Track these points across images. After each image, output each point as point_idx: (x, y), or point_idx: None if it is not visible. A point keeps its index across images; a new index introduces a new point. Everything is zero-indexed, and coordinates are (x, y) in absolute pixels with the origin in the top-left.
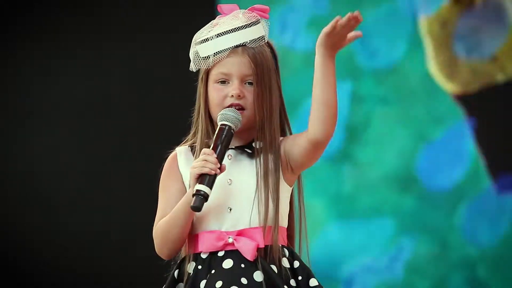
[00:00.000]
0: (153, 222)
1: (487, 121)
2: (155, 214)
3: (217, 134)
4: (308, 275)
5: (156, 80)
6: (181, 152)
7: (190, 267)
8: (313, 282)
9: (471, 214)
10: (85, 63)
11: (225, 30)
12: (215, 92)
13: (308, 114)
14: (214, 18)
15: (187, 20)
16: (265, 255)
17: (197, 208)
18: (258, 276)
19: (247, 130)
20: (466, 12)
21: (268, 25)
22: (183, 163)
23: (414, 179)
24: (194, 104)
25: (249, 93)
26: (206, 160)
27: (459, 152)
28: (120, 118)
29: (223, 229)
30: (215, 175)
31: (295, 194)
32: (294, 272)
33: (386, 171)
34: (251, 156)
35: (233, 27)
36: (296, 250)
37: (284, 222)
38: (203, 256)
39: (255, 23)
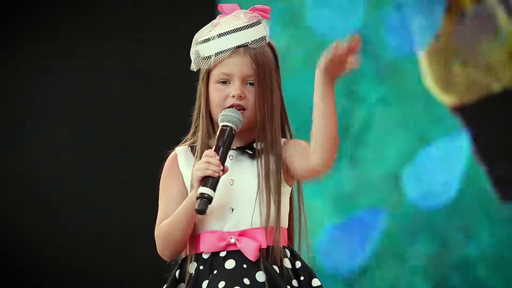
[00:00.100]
0: (153, 222)
1: (485, 131)
2: (155, 214)
3: (218, 135)
4: (310, 275)
5: (156, 80)
6: (180, 152)
7: (192, 267)
8: (315, 282)
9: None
10: (85, 63)
11: (227, 30)
12: (216, 92)
13: (308, 115)
14: (214, 18)
15: (187, 20)
16: (267, 255)
17: (201, 211)
18: (260, 276)
19: (248, 131)
20: (459, 23)
21: (269, 25)
22: (183, 163)
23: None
24: (194, 104)
25: (250, 93)
26: (209, 163)
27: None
28: (120, 118)
29: (225, 230)
30: (218, 177)
31: (295, 194)
32: (296, 273)
33: (386, 171)
34: (252, 157)
35: (235, 27)
36: (296, 249)
37: (284, 222)
38: (205, 256)
39: (257, 23)
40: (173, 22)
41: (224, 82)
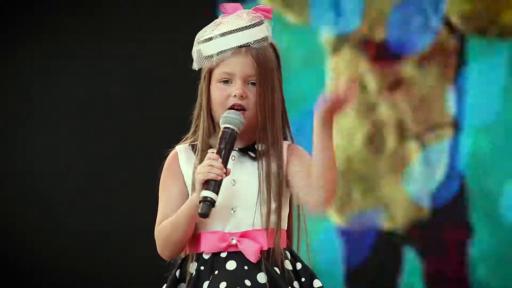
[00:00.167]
0: (153, 222)
1: None
2: (155, 214)
3: (220, 137)
4: (311, 276)
5: (156, 80)
6: (181, 150)
7: (192, 267)
8: (316, 283)
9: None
10: (85, 63)
11: (229, 30)
12: (218, 92)
13: (308, 117)
14: (214, 18)
15: (187, 20)
16: (268, 257)
17: (205, 215)
18: (261, 277)
19: (250, 131)
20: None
21: (272, 26)
22: (184, 161)
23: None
24: (194, 103)
25: (251, 93)
26: (211, 166)
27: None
28: (120, 118)
29: (226, 230)
30: (221, 180)
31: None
32: (297, 274)
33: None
34: (254, 158)
35: (237, 27)
36: (294, 248)
37: (284, 224)
38: (206, 256)
39: (259, 23)
40: (173, 22)
41: (226, 82)
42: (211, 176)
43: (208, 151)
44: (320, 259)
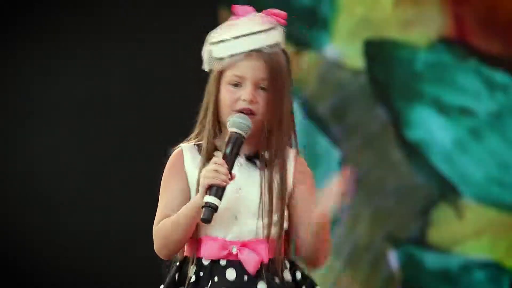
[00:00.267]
0: (153, 222)
1: None
2: (155, 214)
3: (227, 141)
4: (312, 285)
5: (156, 80)
6: (186, 149)
7: (192, 270)
8: None
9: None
10: (85, 63)
11: (242, 33)
12: (228, 94)
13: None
14: (214, 18)
15: (187, 20)
16: (268, 267)
17: (207, 220)
18: (262, 287)
19: (256, 136)
20: None
21: (284, 31)
22: (189, 161)
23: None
24: (194, 103)
25: (261, 98)
26: (217, 171)
27: None
28: (120, 118)
29: (227, 238)
30: (225, 186)
31: None
32: (297, 284)
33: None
34: (261, 167)
35: (250, 31)
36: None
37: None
38: (205, 262)
39: (272, 28)
40: (173, 22)
41: (236, 85)
42: (216, 182)
43: (214, 153)
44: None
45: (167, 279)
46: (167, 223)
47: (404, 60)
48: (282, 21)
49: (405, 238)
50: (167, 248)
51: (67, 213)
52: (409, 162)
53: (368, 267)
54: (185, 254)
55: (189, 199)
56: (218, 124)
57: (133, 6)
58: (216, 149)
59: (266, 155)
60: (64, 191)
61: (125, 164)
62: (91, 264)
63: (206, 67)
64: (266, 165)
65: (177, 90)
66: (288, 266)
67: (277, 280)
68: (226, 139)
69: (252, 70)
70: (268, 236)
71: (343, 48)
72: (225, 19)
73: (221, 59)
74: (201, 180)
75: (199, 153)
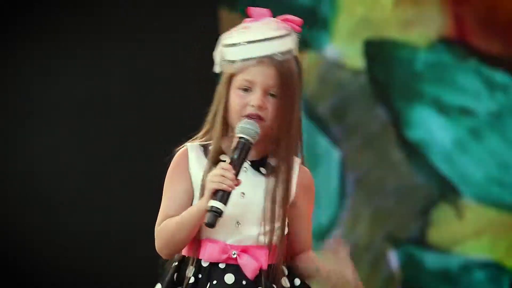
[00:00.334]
0: (153, 222)
1: None
2: (155, 214)
3: (235, 147)
4: None
5: (156, 80)
6: (192, 149)
7: (190, 271)
8: None
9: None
10: (85, 63)
11: (256, 38)
12: (237, 99)
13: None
14: (214, 18)
15: (187, 20)
16: (267, 274)
17: (211, 225)
18: None
19: (262, 142)
20: None
21: (298, 39)
22: (194, 161)
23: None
24: (194, 103)
25: (270, 104)
26: (224, 176)
27: None
28: (120, 118)
29: (228, 242)
30: (231, 191)
31: None
32: None
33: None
34: (266, 173)
35: (265, 37)
36: None
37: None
38: (204, 264)
39: (287, 35)
40: (173, 22)
41: (246, 90)
42: (223, 186)
43: (220, 157)
44: None
45: (166, 279)
46: (170, 223)
47: (404, 60)
48: (297, 27)
49: (405, 238)
50: (168, 248)
51: (67, 213)
52: (409, 162)
53: (368, 267)
54: (183, 253)
55: (192, 199)
56: (226, 127)
57: (133, 6)
58: (222, 152)
59: (272, 161)
60: (64, 191)
61: (125, 164)
62: (91, 264)
63: (217, 68)
64: (271, 172)
65: (177, 90)
66: (286, 272)
67: (275, 287)
68: (234, 144)
69: (263, 76)
70: (269, 243)
71: (343, 48)
72: (225, 19)
73: (233, 62)
74: (207, 184)
75: (204, 154)
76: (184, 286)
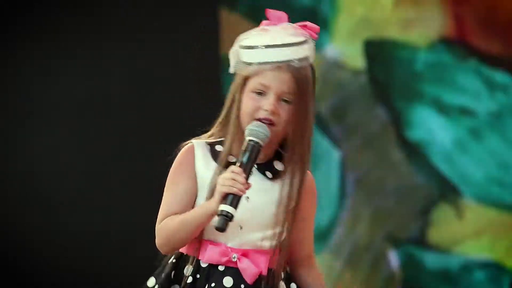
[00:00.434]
0: (153, 222)
1: None
2: (155, 214)
3: (244, 150)
4: None
5: (156, 80)
6: (198, 146)
7: (188, 270)
8: None
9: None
10: (85, 63)
11: (274, 43)
12: (250, 102)
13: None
14: (214, 18)
15: (187, 20)
16: (267, 279)
17: (221, 229)
18: None
19: (270, 147)
20: None
21: (314, 46)
22: (200, 158)
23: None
24: (194, 103)
25: (283, 110)
26: (235, 180)
27: None
28: (120, 118)
29: (228, 245)
30: (242, 195)
31: None
32: None
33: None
34: (272, 177)
35: (283, 42)
36: None
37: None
38: (203, 265)
39: (304, 42)
40: (173, 22)
41: (260, 93)
42: (234, 190)
43: (228, 158)
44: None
45: (163, 275)
46: (172, 221)
47: (404, 60)
48: (314, 35)
49: (405, 238)
50: (170, 245)
51: (67, 213)
52: (409, 162)
53: (368, 267)
54: (183, 251)
55: (195, 197)
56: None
57: (133, 6)
58: (230, 154)
59: (278, 166)
60: (64, 191)
61: (125, 164)
62: (91, 264)
63: (231, 69)
64: (277, 177)
65: (177, 90)
66: (283, 276)
67: None
68: (243, 147)
69: (278, 82)
70: (271, 249)
71: (343, 48)
72: (225, 19)
73: (249, 64)
74: (218, 187)
75: (210, 152)
76: (181, 286)
